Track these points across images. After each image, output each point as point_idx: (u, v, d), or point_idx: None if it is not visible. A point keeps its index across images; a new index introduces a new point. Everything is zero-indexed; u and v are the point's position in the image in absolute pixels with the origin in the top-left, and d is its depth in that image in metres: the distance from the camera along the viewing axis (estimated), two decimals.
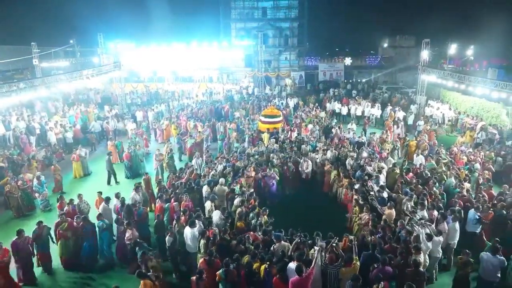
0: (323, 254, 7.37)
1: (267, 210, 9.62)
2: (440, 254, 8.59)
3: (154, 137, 21.13)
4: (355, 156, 13.51)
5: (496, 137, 17.77)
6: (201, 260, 7.60)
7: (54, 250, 9.34)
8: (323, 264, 7.24)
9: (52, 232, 9.31)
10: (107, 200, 10.47)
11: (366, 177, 11.57)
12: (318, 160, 13.66)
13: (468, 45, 56.67)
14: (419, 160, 14.11)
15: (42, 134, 18.88)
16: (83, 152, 15.81)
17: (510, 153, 15.02)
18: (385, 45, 49.12)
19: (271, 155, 13.58)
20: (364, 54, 51.78)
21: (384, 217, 9.65)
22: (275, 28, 39.27)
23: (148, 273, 7.20)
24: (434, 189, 11.12)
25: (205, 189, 11.12)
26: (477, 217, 9.44)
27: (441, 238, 8.49)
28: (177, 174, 12.71)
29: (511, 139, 17.19)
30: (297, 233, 8.20)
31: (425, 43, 23.09)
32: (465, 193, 10.89)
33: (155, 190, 12.28)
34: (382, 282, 6.59)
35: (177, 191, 10.90)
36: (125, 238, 8.82)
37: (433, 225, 8.83)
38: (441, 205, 10.15)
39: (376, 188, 11.03)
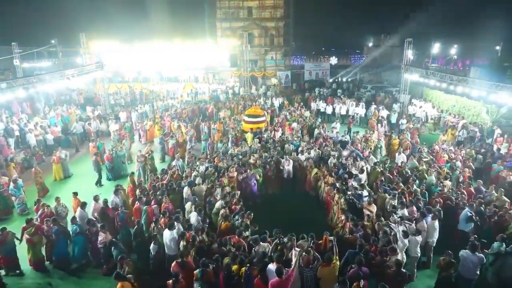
0: (303, 255, 7.34)
1: (252, 214, 9.50)
2: (419, 254, 8.65)
3: (138, 138, 20.85)
4: (337, 155, 13.52)
5: (477, 135, 18.07)
6: (173, 263, 7.48)
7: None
8: (300, 266, 7.21)
9: (19, 235, 9.10)
10: (83, 205, 10.18)
11: (346, 176, 11.60)
12: (303, 160, 13.65)
13: (452, 44, 57.66)
14: (400, 158, 14.25)
15: (22, 136, 18.44)
16: (63, 154, 15.47)
17: (489, 151, 15.27)
18: (370, 44, 49.56)
19: (252, 155, 13.51)
20: (350, 54, 52.19)
21: (367, 212, 9.72)
22: (260, 27, 39.18)
23: (127, 276, 7.08)
24: (415, 187, 11.20)
25: (185, 191, 10.99)
26: (469, 214, 9.47)
27: (419, 238, 8.52)
28: (158, 176, 12.54)
29: (491, 136, 17.49)
30: (277, 234, 8.16)
31: (407, 42, 23.29)
32: (445, 190, 10.99)
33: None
34: (362, 281, 6.61)
35: (157, 192, 10.74)
36: (98, 241, 8.61)
37: (413, 224, 8.91)
38: (422, 203, 10.24)
39: (356, 186, 11.07)
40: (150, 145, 16.26)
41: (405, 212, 9.59)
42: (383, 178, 11.71)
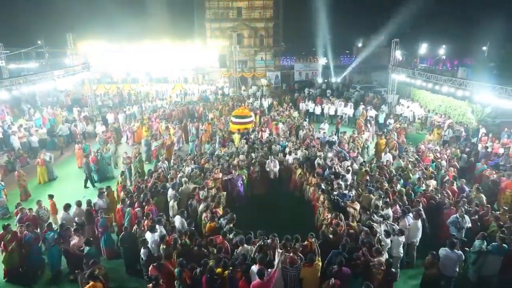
0: (285, 255, 7.33)
1: (234, 216, 9.42)
2: (401, 254, 8.68)
3: (125, 140, 20.66)
4: (323, 156, 13.54)
5: (462, 135, 18.26)
6: (150, 267, 7.42)
7: None
8: (283, 266, 7.19)
9: None
10: (67, 207, 10.00)
11: (332, 176, 11.63)
12: (289, 161, 13.64)
13: (440, 44, 58.35)
14: (386, 158, 14.33)
15: (5, 138, 18.14)
16: (47, 157, 15.25)
17: (473, 150, 15.44)
18: (360, 44, 49.87)
19: (240, 156, 13.48)
20: (340, 54, 52.43)
21: (351, 210, 9.77)
22: (250, 28, 39.18)
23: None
24: (399, 186, 11.27)
25: (170, 192, 10.92)
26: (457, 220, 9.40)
27: (401, 239, 8.55)
28: (144, 178, 12.43)
29: (476, 136, 17.69)
30: (260, 236, 8.14)
31: (395, 43, 23.47)
32: (429, 190, 11.07)
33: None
34: (333, 279, 6.68)
35: (141, 195, 10.63)
36: (71, 245, 8.46)
37: (395, 224, 8.96)
38: (405, 202, 10.30)
39: (343, 186, 11.10)
40: (137, 148, 16.10)
41: (389, 211, 9.63)
42: (368, 178, 11.77)
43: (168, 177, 12.43)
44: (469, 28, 50.36)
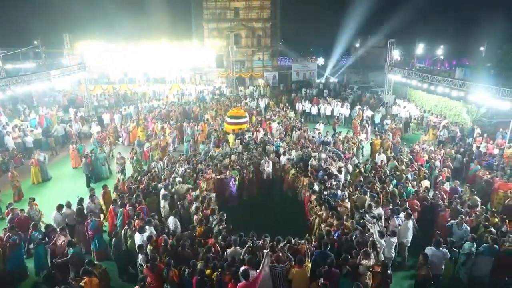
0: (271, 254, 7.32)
1: (225, 215, 9.39)
2: (393, 254, 8.68)
3: (121, 140, 20.63)
4: (317, 157, 13.51)
5: (457, 135, 18.27)
6: (144, 268, 7.40)
7: None
8: (271, 264, 7.18)
9: None
10: (60, 207, 9.96)
11: (326, 177, 11.61)
12: (282, 162, 13.63)
13: (438, 45, 58.44)
14: (381, 158, 14.32)
15: (0, 138, 18.09)
16: (41, 157, 15.21)
17: (468, 150, 15.44)
18: (357, 45, 49.88)
19: (232, 157, 13.46)
20: (337, 54, 52.38)
21: (342, 209, 9.77)
22: (247, 28, 39.17)
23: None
24: (391, 186, 11.25)
25: (162, 192, 10.88)
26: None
27: (393, 239, 8.56)
28: (137, 178, 12.40)
29: (471, 136, 17.69)
30: (250, 236, 8.11)
31: (390, 43, 23.46)
32: (421, 190, 11.06)
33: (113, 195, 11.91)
34: (321, 279, 6.69)
35: (133, 196, 10.60)
36: (58, 244, 8.40)
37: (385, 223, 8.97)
38: (398, 202, 10.28)
39: (335, 186, 11.09)
40: (134, 148, 16.06)
41: (381, 212, 9.62)
42: (361, 179, 11.76)
43: (162, 177, 12.41)
44: (467, 28, 50.51)
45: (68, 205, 10.16)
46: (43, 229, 9.25)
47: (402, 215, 9.21)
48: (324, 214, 9.52)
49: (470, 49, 49.89)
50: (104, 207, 11.14)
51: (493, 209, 9.92)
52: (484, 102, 16.87)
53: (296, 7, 50.93)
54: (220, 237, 8.38)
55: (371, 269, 7.28)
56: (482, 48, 45.28)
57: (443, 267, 8.03)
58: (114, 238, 8.75)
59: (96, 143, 17.25)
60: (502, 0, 48.07)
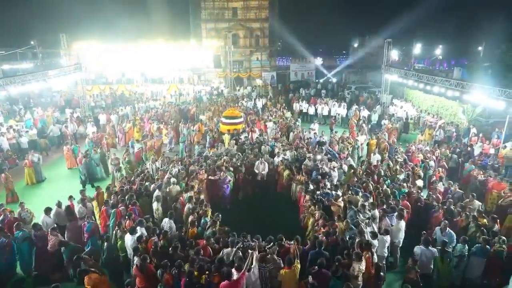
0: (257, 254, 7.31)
1: (220, 216, 9.34)
2: (386, 253, 8.65)
3: (117, 141, 20.55)
4: (312, 157, 13.47)
5: (453, 135, 18.24)
6: (133, 268, 7.37)
7: None
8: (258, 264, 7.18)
9: None
10: (47, 210, 9.86)
11: (320, 177, 11.58)
12: (275, 163, 13.59)
13: (437, 44, 58.35)
14: (375, 158, 14.28)
15: None
16: (35, 158, 15.17)
17: (463, 150, 15.40)
18: (356, 45, 49.85)
19: (225, 157, 13.42)
20: (336, 54, 52.40)
21: (335, 208, 9.75)
22: (245, 28, 39.12)
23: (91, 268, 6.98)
24: (385, 186, 11.21)
25: (156, 193, 10.83)
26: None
27: (387, 238, 8.52)
28: (130, 179, 12.35)
29: (467, 136, 17.65)
30: (241, 237, 8.09)
31: (387, 43, 23.41)
32: (414, 191, 11.01)
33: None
34: (310, 277, 6.76)
35: (126, 196, 10.54)
36: (49, 245, 8.35)
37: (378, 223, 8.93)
38: (390, 202, 10.23)
39: (328, 185, 11.06)
40: (127, 150, 16.01)
41: (376, 212, 9.58)
42: (355, 179, 11.72)
43: (156, 177, 12.38)
44: (466, 28, 50.49)
45: (59, 205, 10.12)
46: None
47: (395, 215, 9.15)
48: (317, 214, 9.50)
49: (469, 49, 49.86)
50: (97, 209, 11.08)
51: (481, 210, 9.79)
52: (479, 102, 16.83)
53: (294, 7, 50.87)
54: (212, 239, 8.34)
55: (362, 272, 7.24)
56: (480, 48, 45.22)
57: (432, 266, 8.03)
58: (106, 243, 8.63)
59: (91, 143, 17.21)
60: (501, 0, 48.02)
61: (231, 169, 12.36)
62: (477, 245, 8.20)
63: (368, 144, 16.88)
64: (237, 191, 12.59)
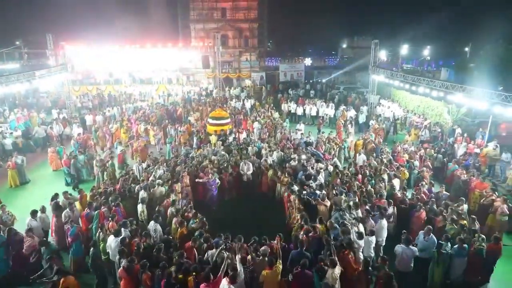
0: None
1: (205, 221, 9.32)
2: (373, 254, 8.71)
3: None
4: (297, 158, 13.51)
5: (439, 135, 18.47)
6: (119, 270, 7.32)
7: None
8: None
9: None
10: (34, 213, 9.70)
11: (304, 178, 11.62)
12: (263, 162, 13.60)
13: (425, 45, 58.98)
14: (361, 159, 14.38)
15: None
16: (19, 159, 14.94)
17: (448, 150, 15.60)
18: (344, 45, 50.15)
19: (210, 158, 13.41)
20: (325, 55, 52.65)
21: (322, 208, 9.81)
22: (235, 29, 39.08)
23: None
24: (369, 187, 11.30)
25: (141, 194, 10.77)
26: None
27: (372, 239, 8.59)
28: (114, 181, 12.26)
29: (452, 136, 17.88)
30: (223, 238, 8.09)
31: (374, 44, 23.62)
32: (397, 191, 11.13)
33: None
34: (290, 275, 6.87)
35: (110, 198, 10.44)
36: (25, 248, 8.23)
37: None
38: (373, 202, 10.33)
39: (314, 186, 11.12)
40: (111, 152, 15.85)
41: (359, 213, 9.65)
42: (338, 180, 11.78)
43: (141, 179, 12.28)
44: (454, 29, 51.16)
45: (43, 210, 9.98)
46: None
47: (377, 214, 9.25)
48: (298, 216, 9.54)
49: (457, 50, 50.56)
50: (81, 212, 10.93)
51: (460, 211, 9.87)
52: (463, 102, 17.08)
53: (284, 8, 50.98)
54: (199, 241, 8.30)
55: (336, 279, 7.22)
56: (466, 49, 45.90)
57: (412, 265, 8.10)
58: (92, 248, 8.51)
59: (76, 145, 17.01)
60: (488, 2, 48.76)
61: (215, 169, 12.30)
62: (454, 246, 8.28)
63: (354, 145, 16.98)
64: (223, 192, 12.55)
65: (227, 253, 7.28)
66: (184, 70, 35.57)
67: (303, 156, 13.47)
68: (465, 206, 10.45)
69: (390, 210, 10.08)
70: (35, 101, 28.91)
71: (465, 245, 8.11)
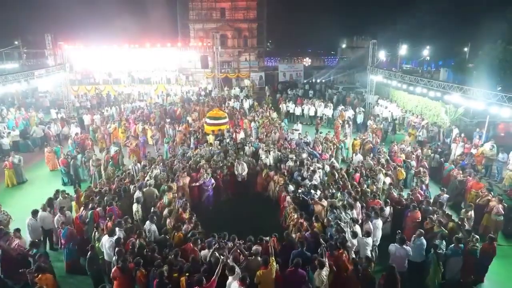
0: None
1: (197, 222, 9.35)
2: (369, 255, 8.66)
3: None
4: (294, 158, 13.50)
5: (436, 135, 18.47)
6: (114, 269, 7.32)
7: None
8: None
9: None
10: (34, 213, 9.70)
11: (299, 178, 11.63)
12: (260, 162, 13.60)
13: (424, 45, 58.91)
14: (357, 159, 14.39)
15: None
16: (16, 159, 14.93)
17: (445, 150, 15.60)
18: (343, 45, 50.14)
19: (206, 158, 13.41)
20: (324, 55, 52.63)
21: (319, 208, 9.82)
22: (234, 29, 39.08)
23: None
24: (365, 186, 11.31)
25: (137, 194, 10.77)
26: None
27: (369, 240, 8.59)
28: (110, 180, 12.26)
29: (450, 136, 17.88)
30: (216, 238, 8.10)
31: (373, 44, 23.62)
32: (392, 191, 11.13)
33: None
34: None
35: (105, 198, 10.45)
36: (12, 247, 8.20)
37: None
38: (368, 201, 10.35)
39: (309, 185, 11.12)
40: (108, 152, 15.84)
41: (354, 213, 9.66)
42: (335, 179, 11.80)
43: (136, 179, 12.29)
44: (454, 29, 51.02)
45: (44, 209, 9.99)
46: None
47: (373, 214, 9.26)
48: (295, 216, 9.54)
49: (456, 50, 50.48)
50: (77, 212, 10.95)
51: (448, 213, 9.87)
52: (461, 102, 17.08)
53: (283, 8, 51.01)
54: (197, 241, 8.32)
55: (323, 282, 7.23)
56: (466, 49, 45.86)
57: (406, 264, 8.12)
58: (89, 252, 8.37)
59: (74, 145, 17.01)
60: (487, 2, 48.72)
61: (209, 170, 12.30)
62: (450, 246, 8.31)
63: (352, 145, 16.98)
64: (219, 192, 12.55)
65: (222, 257, 7.24)
66: (183, 70, 35.60)
67: (304, 155, 13.49)
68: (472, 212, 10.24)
69: (387, 210, 10.10)
70: (34, 101, 28.88)
71: (461, 245, 8.12)
